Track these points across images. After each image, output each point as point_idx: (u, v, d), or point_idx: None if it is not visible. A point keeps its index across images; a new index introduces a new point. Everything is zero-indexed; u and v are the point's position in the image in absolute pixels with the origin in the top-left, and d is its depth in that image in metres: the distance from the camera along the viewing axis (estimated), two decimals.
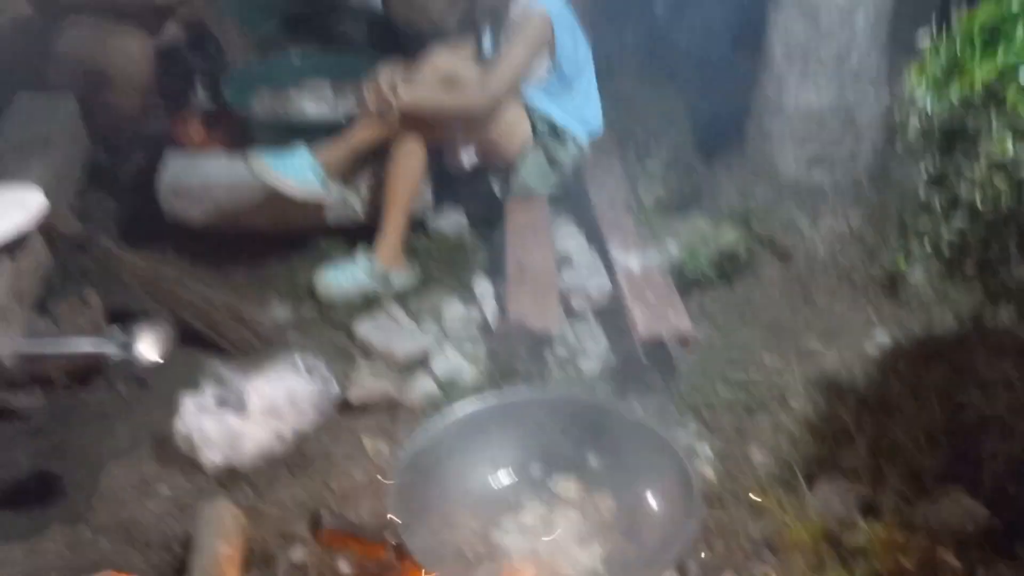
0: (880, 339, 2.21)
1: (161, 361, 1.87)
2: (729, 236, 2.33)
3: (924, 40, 1.48)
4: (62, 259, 2.41)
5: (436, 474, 1.49)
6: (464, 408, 1.60)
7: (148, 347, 1.89)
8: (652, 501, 1.52)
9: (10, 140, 2.60)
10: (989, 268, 1.31)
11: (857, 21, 2.22)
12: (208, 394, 2.05)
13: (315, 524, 1.33)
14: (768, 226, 2.37)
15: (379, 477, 1.81)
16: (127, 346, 1.84)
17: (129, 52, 2.81)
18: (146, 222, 2.77)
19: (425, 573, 1.29)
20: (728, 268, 2.36)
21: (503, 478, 1.57)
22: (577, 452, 1.62)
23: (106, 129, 3.00)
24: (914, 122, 1.41)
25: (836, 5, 2.20)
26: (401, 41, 3.40)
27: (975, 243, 1.29)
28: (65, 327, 2.15)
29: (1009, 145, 1.21)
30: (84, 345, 1.95)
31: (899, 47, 2.32)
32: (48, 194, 2.26)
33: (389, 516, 1.35)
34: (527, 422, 1.62)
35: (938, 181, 1.36)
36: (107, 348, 1.86)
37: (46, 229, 2.27)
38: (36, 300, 2.23)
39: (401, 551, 1.32)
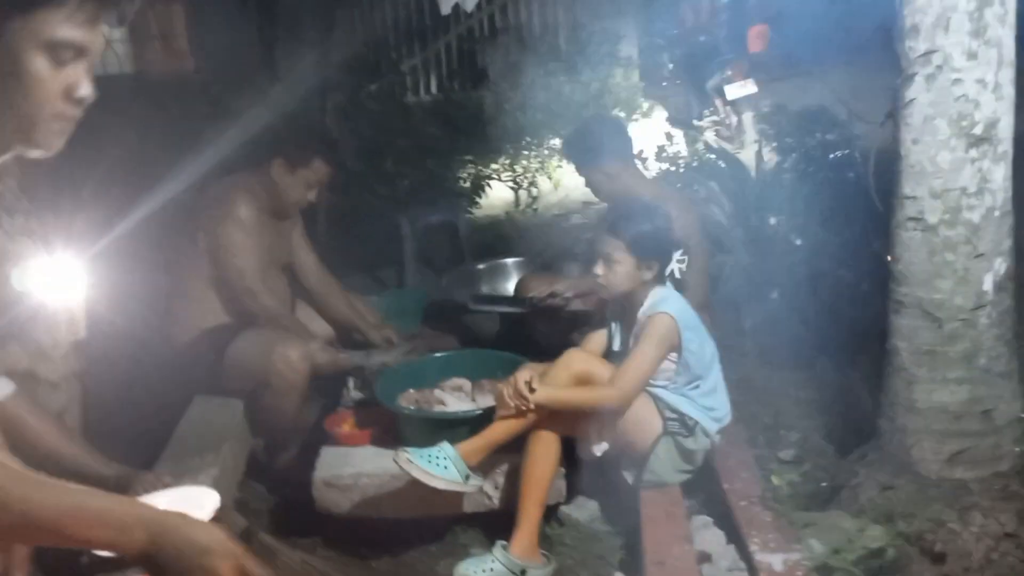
0: None
1: None
2: (875, 535, 2.28)
3: None
4: None
5: None
6: None
7: None
8: None
9: (187, 440, 2.88)
10: None
11: (980, 321, 2.30)
12: None
13: None
14: (915, 525, 2.31)
15: None
16: None
17: (290, 360, 3.09)
18: (296, 511, 2.94)
19: None
20: (876, 568, 2.29)
21: None
22: None
23: (265, 427, 3.29)
24: None
25: (957, 307, 2.30)
26: (533, 339, 3.69)
27: None
28: None
29: None
30: None
31: None
32: (217, 490, 2.48)
33: None
34: None
35: None
36: None
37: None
38: None
39: None
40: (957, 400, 2.33)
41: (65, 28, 1.18)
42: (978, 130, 2.22)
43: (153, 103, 5.37)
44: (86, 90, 1.22)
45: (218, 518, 2.37)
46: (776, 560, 2.30)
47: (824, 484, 2.73)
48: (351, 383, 3.37)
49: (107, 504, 1.11)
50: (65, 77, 1.21)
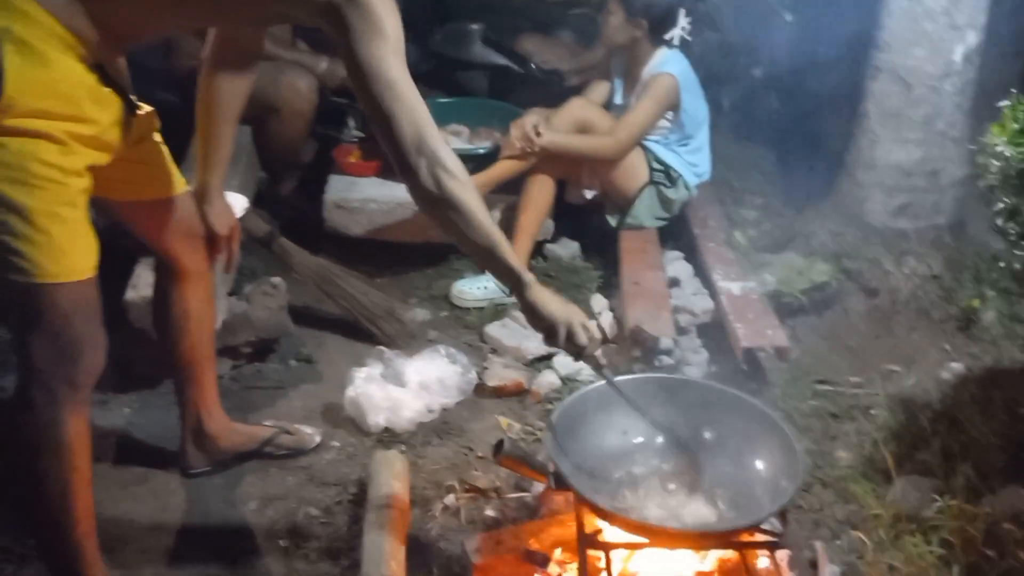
0: (954, 367, 2.50)
1: None
2: (821, 270, 2.66)
3: (1005, 102, 1.84)
4: (248, 253, 2.86)
5: (582, 426, 1.83)
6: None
7: None
8: (760, 466, 1.83)
9: None
10: None
11: (945, 88, 2.56)
12: (374, 368, 2.44)
13: (497, 449, 1.66)
14: (856, 264, 2.69)
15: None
16: None
17: (298, 88, 3.23)
18: (301, 234, 3.21)
19: (576, 495, 1.62)
20: (818, 299, 2.69)
21: (636, 438, 1.88)
22: (695, 427, 1.93)
23: (270, 154, 3.47)
24: (993, 167, 1.74)
25: (927, 74, 2.55)
26: (523, 90, 3.86)
27: None
28: (255, 306, 2.57)
29: None
30: None
31: (981, 112, 2.65)
32: None
33: (547, 444, 1.68)
34: (654, 399, 1.95)
35: (1012, 213, 1.69)
36: None
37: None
38: (232, 285, 2.68)
39: (558, 476, 1.65)
40: (911, 159, 2.64)
41: None
42: None
43: None
44: None
45: (244, 219, 2.65)
46: (735, 287, 2.67)
47: (779, 235, 3.08)
48: (351, 122, 3.55)
49: (512, 263, 1.55)
50: None
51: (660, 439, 1.93)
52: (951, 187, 2.70)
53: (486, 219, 1.51)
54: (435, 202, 1.48)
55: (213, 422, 2.10)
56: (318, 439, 2.26)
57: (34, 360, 1.50)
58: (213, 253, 2.01)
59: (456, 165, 1.48)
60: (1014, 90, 1.84)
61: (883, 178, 2.69)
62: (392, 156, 1.48)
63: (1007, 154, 1.70)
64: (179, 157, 3.01)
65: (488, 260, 1.56)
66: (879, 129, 2.65)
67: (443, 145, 1.47)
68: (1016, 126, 1.76)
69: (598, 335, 1.68)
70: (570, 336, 1.61)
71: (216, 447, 2.12)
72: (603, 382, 1.83)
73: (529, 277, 1.57)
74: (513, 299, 2.86)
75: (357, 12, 1.42)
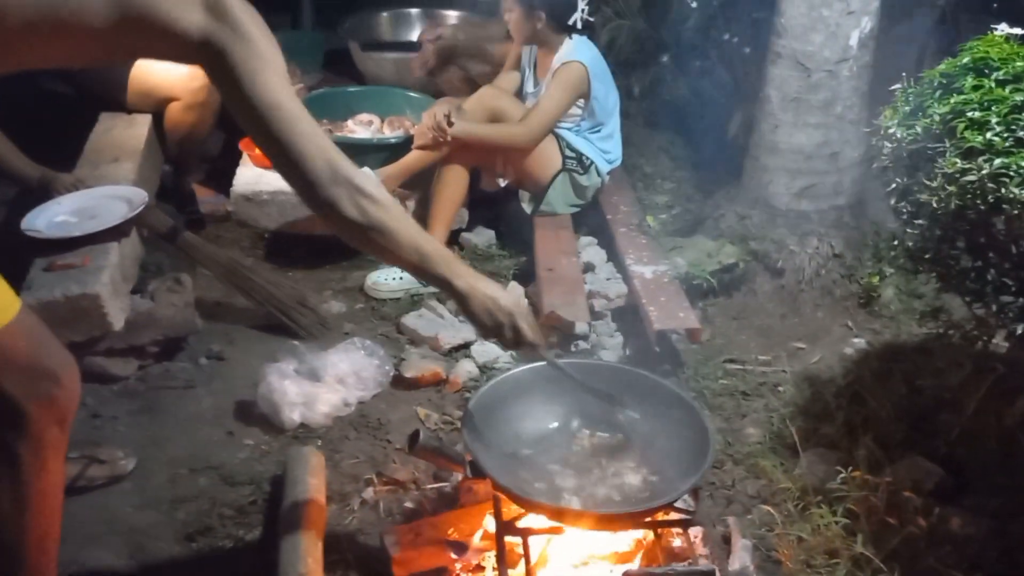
0: (856, 342, 2.60)
1: None
2: (729, 252, 2.72)
3: (897, 86, 1.91)
4: (153, 250, 2.77)
5: (499, 413, 1.83)
6: (520, 367, 1.94)
7: None
8: (673, 446, 1.86)
9: (100, 151, 2.93)
10: (941, 258, 1.70)
11: (842, 73, 2.65)
12: (288, 363, 2.39)
13: (413, 441, 1.65)
14: (763, 245, 2.77)
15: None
16: None
17: (198, 76, 3.11)
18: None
19: (492, 483, 1.62)
20: (727, 280, 2.75)
21: (551, 423, 1.90)
22: (609, 408, 1.95)
23: (174, 144, 3.35)
24: (887, 148, 1.81)
25: (825, 59, 2.63)
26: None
27: (932, 238, 1.69)
28: (160, 304, 2.48)
29: (958, 162, 1.62)
30: None
31: (877, 96, 2.75)
32: None
33: (464, 434, 1.67)
34: (569, 383, 1.96)
35: (904, 193, 1.76)
36: None
37: (139, 223, 2.62)
38: (135, 282, 2.58)
39: (475, 465, 1.65)
40: (812, 143, 2.72)
41: None
42: None
43: None
44: None
45: (145, 214, 2.56)
46: (647, 271, 2.71)
47: (690, 219, 3.15)
48: None
49: (442, 272, 1.49)
50: None
51: (575, 423, 1.94)
52: (850, 169, 2.79)
53: (414, 235, 1.44)
54: (361, 231, 1.39)
55: None
56: (131, 465, 2.13)
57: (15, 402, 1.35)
58: None
59: (374, 187, 1.38)
60: (904, 74, 1.92)
61: (785, 161, 2.76)
62: (303, 192, 1.36)
63: (898, 135, 1.77)
64: (76, 150, 2.93)
65: (419, 273, 1.49)
66: (780, 113, 2.72)
67: (355, 169, 1.37)
68: (907, 108, 1.84)
69: (535, 328, 1.61)
70: (517, 334, 1.56)
71: None
72: (520, 369, 1.84)
73: (462, 284, 1.50)
74: (429, 288, 2.90)
75: (238, 41, 1.25)
